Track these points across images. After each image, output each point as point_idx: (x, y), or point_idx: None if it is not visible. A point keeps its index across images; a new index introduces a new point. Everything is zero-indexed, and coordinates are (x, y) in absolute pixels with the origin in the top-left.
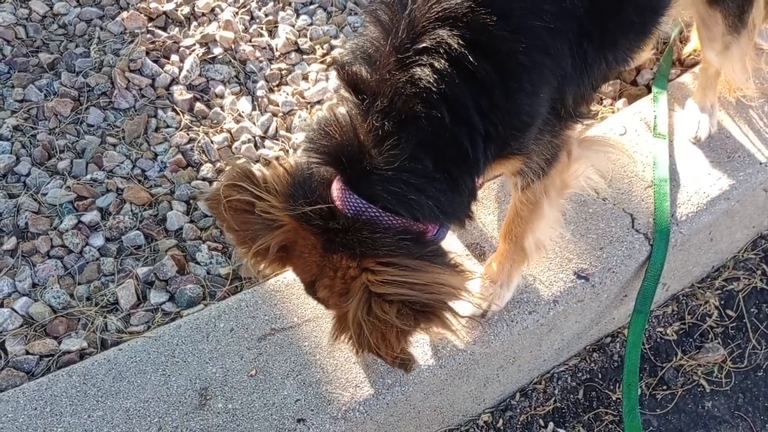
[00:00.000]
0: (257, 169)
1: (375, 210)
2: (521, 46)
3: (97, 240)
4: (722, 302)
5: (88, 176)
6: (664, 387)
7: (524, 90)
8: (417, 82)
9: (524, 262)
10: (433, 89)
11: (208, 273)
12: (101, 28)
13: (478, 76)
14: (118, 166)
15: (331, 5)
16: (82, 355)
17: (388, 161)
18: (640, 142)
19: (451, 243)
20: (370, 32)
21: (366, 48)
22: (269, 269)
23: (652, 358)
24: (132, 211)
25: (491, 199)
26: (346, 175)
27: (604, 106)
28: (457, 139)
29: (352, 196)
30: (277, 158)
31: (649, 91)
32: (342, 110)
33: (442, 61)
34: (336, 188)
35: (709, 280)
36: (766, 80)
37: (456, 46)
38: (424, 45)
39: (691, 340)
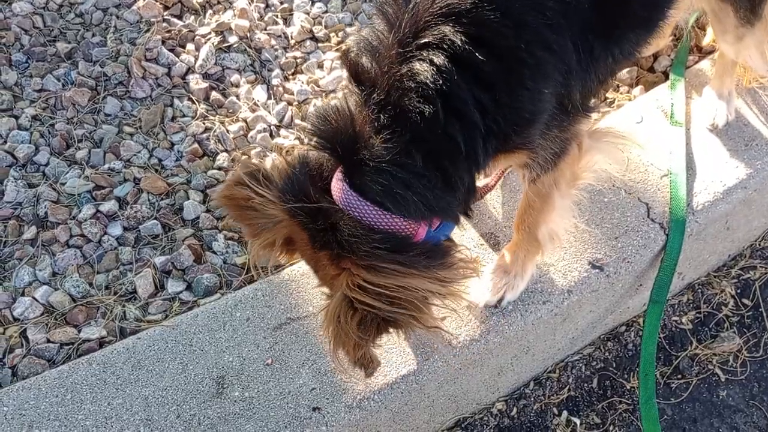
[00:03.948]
0: (269, 162)
1: (364, 204)
2: (523, 43)
3: (115, 229)
4: (738, 291)
5: (106, 166)
6: (679, 376)
7: (526, 86)
8: (414, 77)
9: (538, 252)
10: (430, 84)
11: (224, 262)
12: (117, 17)
13: (479, 73)
14: (135, 155)
15: None
16: (101, 343)
17: (380, 154)
18: (657, 130)
19: (467, 233)
20: (376, 25)
21: (371, 40)
22: (280, 261)
23: (667, 347)
24: (149, 200)
25: (505, 189)
26: (341, 162)
27: (621, 93)
28: (451, 136)
29: (345, 187)
30: (292, 147)
31: (667, 78)
32: (345, 99)
33: (442, 57)
34: (335, 178)
35: (725, 269)
36: None
37: (459, 42)
38: (426, 40)
39: (706, 329)
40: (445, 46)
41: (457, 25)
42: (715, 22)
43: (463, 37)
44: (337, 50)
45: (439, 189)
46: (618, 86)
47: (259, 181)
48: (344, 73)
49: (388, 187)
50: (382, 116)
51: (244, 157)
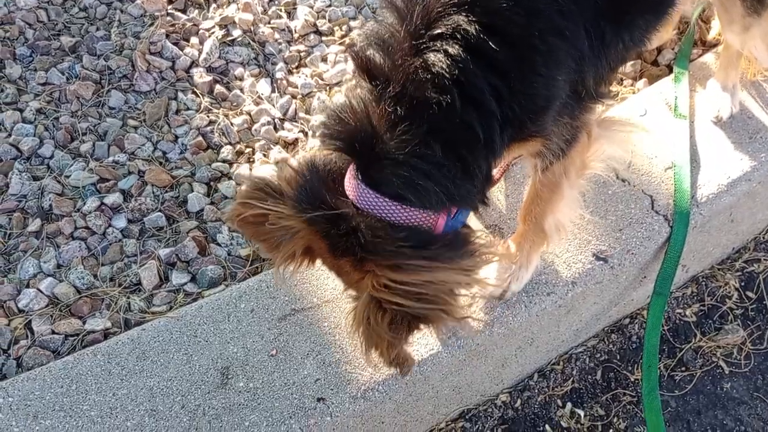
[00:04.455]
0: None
1: (381, 200)
2: (536, 30)
3: (120, 222)
4: (742, 284)
5: (110, 158)
6: (683, 368)
7: (540, 73)
8: (429, 68)
9: (544, 243)
10: (446, 75)
11: (228, 254)
12: (121, 11)
13: (493, 61)
14: (139, 148)
15: None
16: (106, 334)
17: (399, 147)
18: (661, 123)
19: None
20: (385, 18)
21: (381, 34)
22: (302, 269)
23: (671, 339)
24: (153, 193)
25: (510, 180)
26: (358, 160)
27: (625, 87)
28: (469, 124)
29: (360, 185)
30: (296, 140)
31: (671, 71)
32: (357, 96)
33: (457, 46)
34: (348, 177)
35: (729, 261)
36: None
37: (474, 32)
38: (439, 31)
39: (710, 321)
40: (458, 35)
41: (469, 14)
42: (721, 12)
43: (476, 26)
44: (340, 44)
45: (458, 178)
46: (622, 79)
47: (270, 194)
48: (352, 68)
49: (408, 178)
50: (398, 109)
51: (258, 143)
